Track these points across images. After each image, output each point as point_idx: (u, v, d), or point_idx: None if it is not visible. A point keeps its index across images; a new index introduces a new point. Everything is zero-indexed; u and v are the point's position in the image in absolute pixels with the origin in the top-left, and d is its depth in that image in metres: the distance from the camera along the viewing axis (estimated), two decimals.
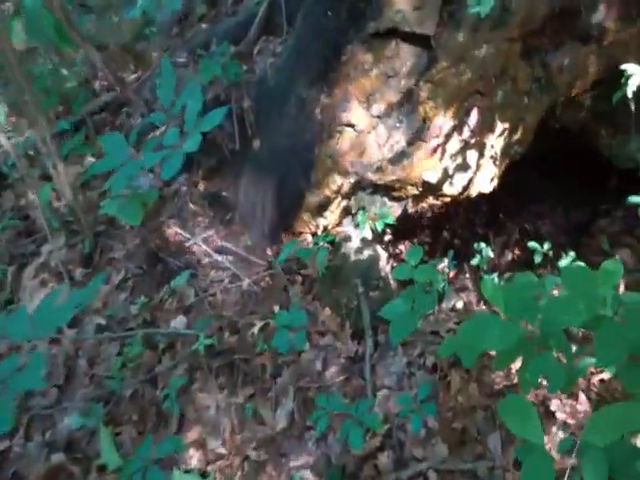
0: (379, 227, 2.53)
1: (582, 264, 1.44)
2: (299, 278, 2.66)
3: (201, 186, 3.03)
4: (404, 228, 2.99)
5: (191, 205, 2.95)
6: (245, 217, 2.90)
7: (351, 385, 2.32)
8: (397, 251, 3.09)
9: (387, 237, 2.93)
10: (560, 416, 2.07)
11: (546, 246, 2.70)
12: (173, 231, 2.87)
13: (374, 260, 2.58)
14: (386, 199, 2.73)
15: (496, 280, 2.83)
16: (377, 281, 2.55)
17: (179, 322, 2.57)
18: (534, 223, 3.39)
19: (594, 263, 3.00)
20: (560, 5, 2.53)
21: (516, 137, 2.78)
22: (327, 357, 2.39)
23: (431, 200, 2.79)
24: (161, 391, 2.36)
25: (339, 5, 2.66)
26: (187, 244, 2.82)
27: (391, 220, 2.53)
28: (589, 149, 3.15)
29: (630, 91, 2.25)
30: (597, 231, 3.21)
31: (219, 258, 2.73)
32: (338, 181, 2.57)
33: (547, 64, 2.69)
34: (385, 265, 2.61)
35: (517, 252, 3.26)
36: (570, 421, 2.06)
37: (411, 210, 2.81)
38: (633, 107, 2.50)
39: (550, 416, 2.09)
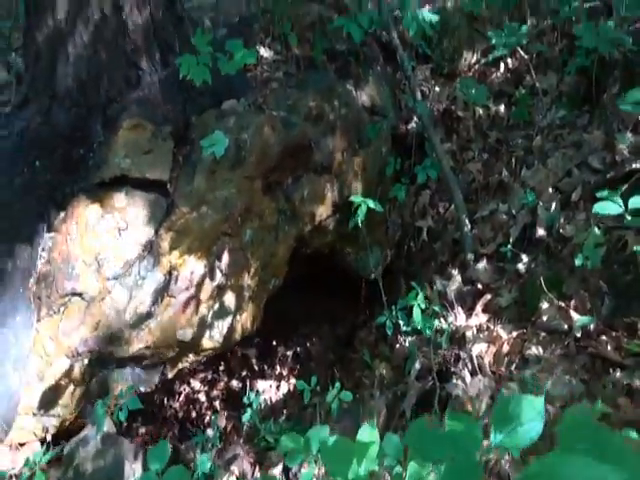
0: (122, 417, 1.95)
1: (339, 440, 1.09)
2: None
3: None
4: (166, 389, 2.52)
5: None
6: None
7: None
8: None
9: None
10: None
11: (313, 382, 2.51)
12: None
13: (117, 464, 1.98)
14: (138, 370, 2.24)
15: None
16: None
17: None
18: (304, 345, 3.29)
19: (359, 380, 3.03)
20: (292, 142, 2.56)
21: (271, 272, 2.65)
22: None
23: (192, 357, 2.40)
24: None
25: (50, 155, 2.20)
26: None
27: (136, 405, 1.98)
28: (341, 267, 3.24)
29: (360, 220, 2.52)
30: (358, 343, 3.25)
31: None
32: (65, 364, 1.99)
33: (290, 197, 2.66)
34: (132, 465, 2.00)
35: (292, 383, 3.07)
36: None
37: (171, 374, 2.36)
38: (365, 231, 2.72)
39: None
